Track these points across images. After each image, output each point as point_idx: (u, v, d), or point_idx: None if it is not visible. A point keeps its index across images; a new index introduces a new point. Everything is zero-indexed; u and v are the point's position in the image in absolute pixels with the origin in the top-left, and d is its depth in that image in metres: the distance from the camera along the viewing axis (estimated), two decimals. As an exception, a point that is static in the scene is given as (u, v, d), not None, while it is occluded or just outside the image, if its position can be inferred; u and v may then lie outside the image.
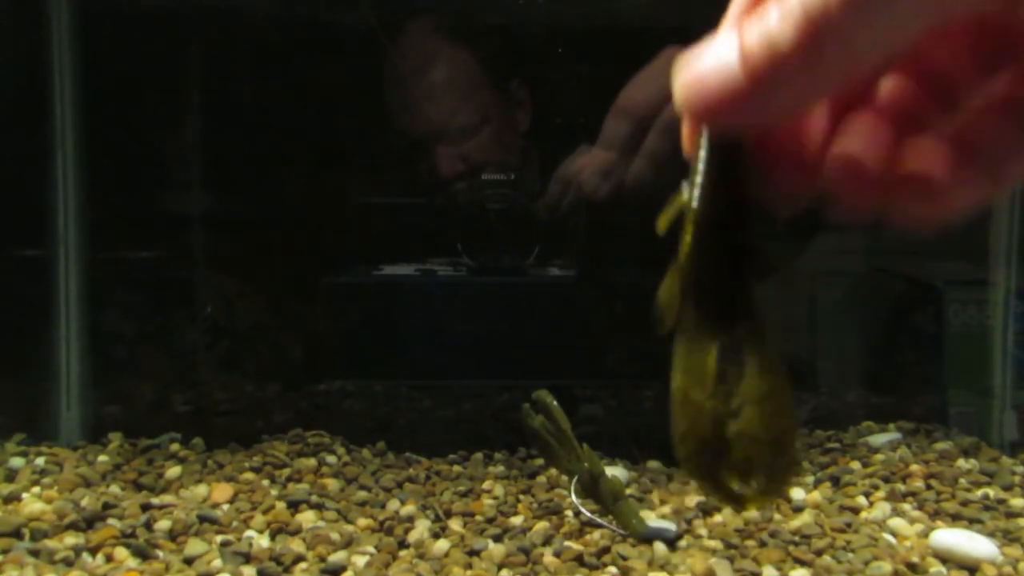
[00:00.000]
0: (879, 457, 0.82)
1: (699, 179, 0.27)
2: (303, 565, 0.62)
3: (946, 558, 0.62)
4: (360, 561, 0.62)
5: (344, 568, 0.61)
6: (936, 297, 1.00)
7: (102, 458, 0.82)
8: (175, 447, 0.85)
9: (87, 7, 0.90)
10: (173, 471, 0.78)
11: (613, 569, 0.61)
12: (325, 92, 1.09)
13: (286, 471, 0.79)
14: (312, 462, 0.81)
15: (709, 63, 0.24)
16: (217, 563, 0.61)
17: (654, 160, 0.74)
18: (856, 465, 0.81)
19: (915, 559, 0.62)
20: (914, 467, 0.79)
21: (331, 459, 0.83)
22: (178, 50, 1.07)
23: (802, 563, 0.62)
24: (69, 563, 0.61)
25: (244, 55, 1.08)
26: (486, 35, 1.05)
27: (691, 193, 0.28)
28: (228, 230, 1.11)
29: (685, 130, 0.27)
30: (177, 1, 1.06)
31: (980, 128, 0.24)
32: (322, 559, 0.63)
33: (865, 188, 0.25)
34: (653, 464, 0.84)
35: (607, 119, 0.79)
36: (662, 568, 0.61)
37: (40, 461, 0.81)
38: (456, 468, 0.83)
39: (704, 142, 0.27)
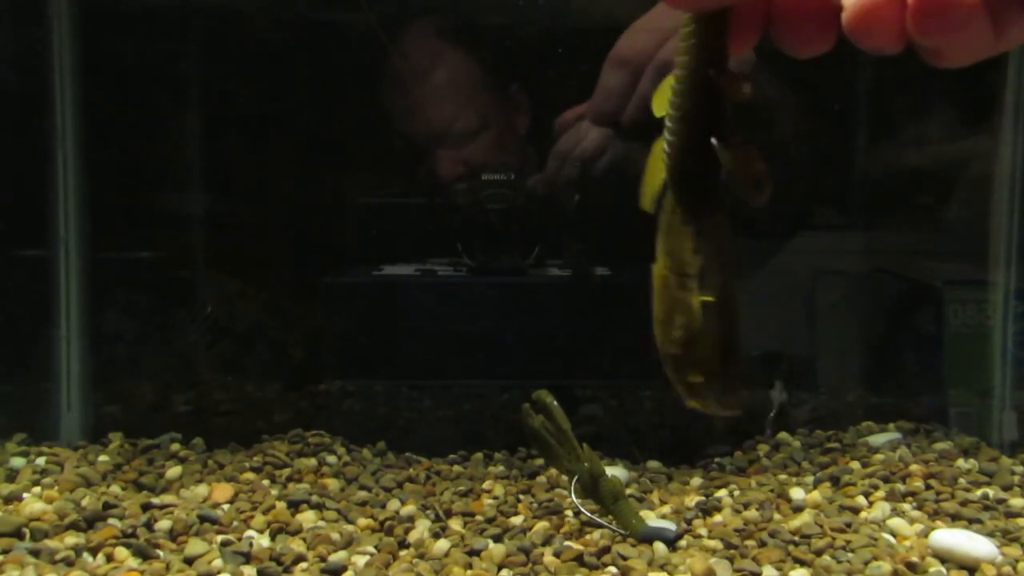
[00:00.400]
0: (879, 457, 0.82)
1: (683, 65, 0.29)
2: (303, 565, 0.62)
3: (946, 558, 0.63)
4: (360, 561, 0.63)
5: (344, 568, 0.61)
6: (936, 297, 1.00)
7: (102, 458, 0.82)
8: (175, 447, 0.85)
9: (87, 7, 0.90)
10: (173, 471, 0.78)
11: (613, 569, 0.61)
12: (325, 92, 1.09)
13: (286, 471, 0.79)
14: (312, 462, 0.81)
15: None
16: (217, 563, 0.62)
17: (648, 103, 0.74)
18: (856, 465, 0.81)
19: (915, 559, 0.62)
20: (914, 467, 0.79)
21: (331, 459, 0.83)
22: (178, 50, 1.07)
23: (802, 563, 0.62)
24: (70, 563, 0.61)
25: (244, 55, 1.08)
26: (486, 37, 1.06)
27: (679, 76, 0.29)
28: (228, 230, 1.11)
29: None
30: (177, 1, 1.06)
31: None
32: (322, 559, 0.63)
33: (883, 25, 0.25)
34: (653, 464, 0.84)
35: (603, 70, 0.80)
36: (662, 568, 0.61)
37: (40, 461, 0.81)
38: (456, 468, 0.83)
39: (689, 24, 0.28)
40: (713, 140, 0.29)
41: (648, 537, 0.65)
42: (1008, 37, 0.25)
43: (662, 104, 0.31)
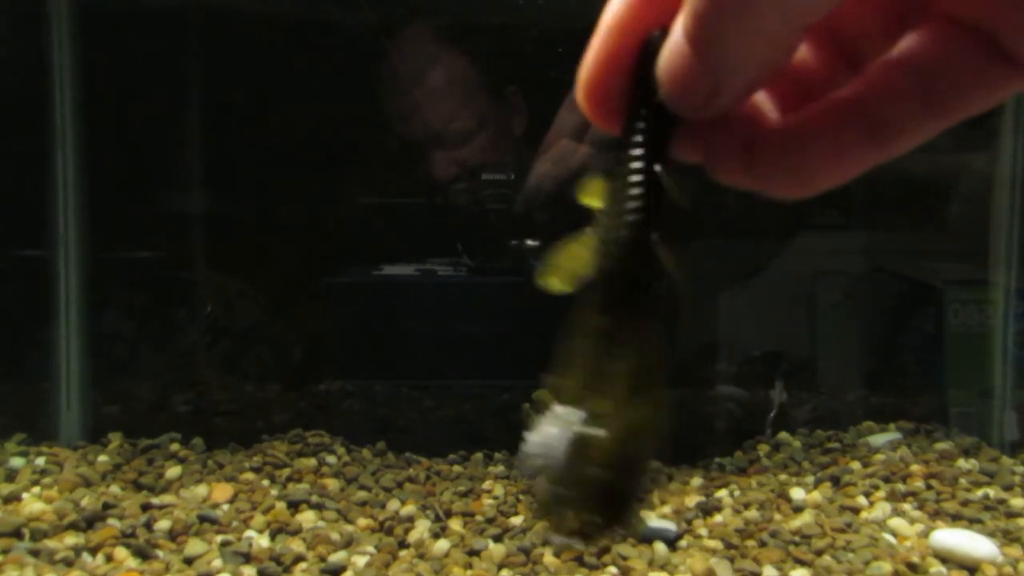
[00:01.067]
0: (879, 457, 0.82)
1: (630, 156, 0.26)
2: (303, 565, 0.62)
3: (946, 558, 0.62)
4: (360, 561, 0.62)
5: (344, 568, 0.61)
6: (936, 297, 1.00)
7: (102, 458, 0.82)
8: (175, 447, 0.85)
9: (87, 7, 0.90)
10: (173, 471, 0.78)
11: (613, 569, 0.61)
12: (326, 92, 1.09)
13: (286, 471, 0.79)
14: (312, 462, 0.81)
15: (668, 43, 0.23)
16: (217, 563, 0.61)
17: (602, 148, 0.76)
18: (856, 465, 0.81)
19: (915, 559, 0.62)
20: (914, 467, 0.79)
21: (331, 459, 0.83)
22: (178, 50, 1.07)
23: (802, 563, 0.62)
24: (69, 563, 0.61)
25: (244, 55, 1.08)
26: (483, 39, 1.06)
27: (619, 172, 0.26)
28: (228, 230, 1.11)
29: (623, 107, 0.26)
30: (177, 1, 1.06)
31: (877, 91, 0.24)
32: (322, 559, 0.63)
33: (755, 151, 0.24)
34: (653, 464, 0.84)
35: (560, 110, 0.81)
36: (662, 568, 0.61)
37: (40, 461, 0.81)
38: (456, 468, 0.83)
39: (640, 120, 0.26)
40: (655, 239, 0.26)
41: (648, 537, 0.65)
42: (897, 143, 0.24)
43: (591, 195, 0.27)
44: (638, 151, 0.26)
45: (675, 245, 0.26)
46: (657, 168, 0.26)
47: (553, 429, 0.27)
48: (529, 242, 0.95)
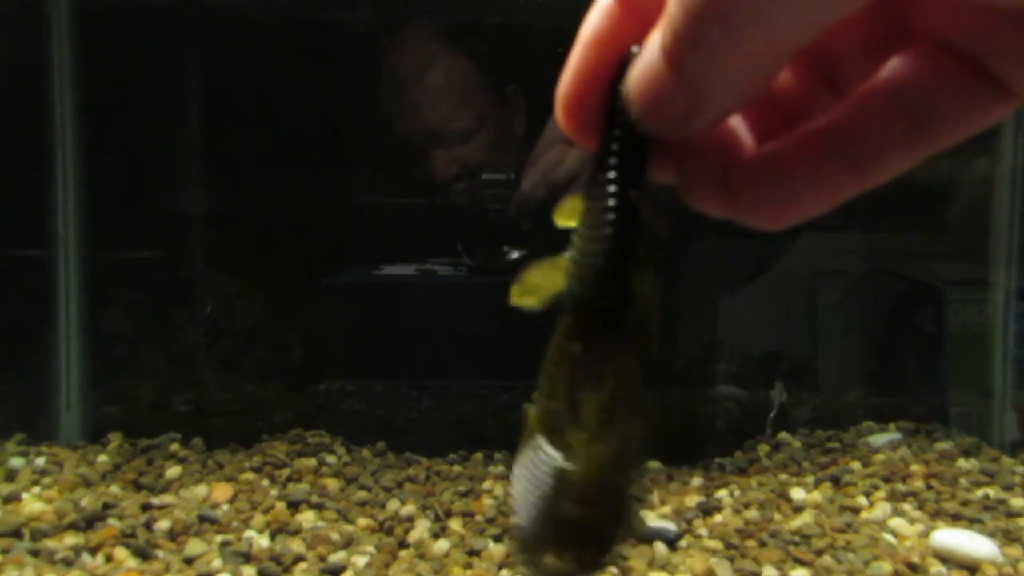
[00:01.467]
0: (879, 457, 0.82)
1: (603, 178, 0.24)
2: (303, 565, 0.62)
3: (946, 558, 0.62)
4: (360, 561, 0.62)
5: (344, 568, 0.61)
6: (936, 297, 1.00)
7: (102, 458, 0.82)
8: (175, 447, 0.85)
9: (87, 7, 0.90)
10: (173, 471, 0.78)
11: (613, 569, 0.61)
12: (325, 92, 1.09)
13: (286, 471, 0.79)
14: (312, 462, 0.81)
15: (642, 59, 0.22)
16: (217, 563, 0.61)
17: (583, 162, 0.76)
18: (856, 465, 0.81)
19: (915, 559, 0.62)
20: (914, 467, 0.79)
21: (331, 459, 0.83)
22: (178, 50, 1.07)
23: (802, 563, 0.62)
24: (69, 563, 0.61)
25: (244, 55, 1.08)
26: (484, 39, 1.06)
27: (591, 189, 0.25)
28: (228, 230, 1.11)
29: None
30: (177, 1, 1.06)
31: (858, 119, 0.23)
32: (322, 559, 0.63)
33: (733, 176, 0.24)
34: (653, 464, 0.84)
35: (549, 120, 0.81)
36: (662, 568, 0.61)
37: (40, 461, 0.81)
38: (456, 468, 0.83)
39: (615, 140, 0.24)
40: (629, 266, 0.25)
41: (648, 537, 0.65)
42: (877, 170, 0.23)
43: (567, 215, 0.26)
44: (612, 173, 0.24)
45: (651, 270, 0.25)
46: (632, 192, 0.24)
47: (530, 464, 0.26)
48: (515, 253, 0.95)
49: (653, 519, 0.68)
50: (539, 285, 0.26)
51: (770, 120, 0.24)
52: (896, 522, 0.69)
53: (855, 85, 0.23)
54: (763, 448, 0.88)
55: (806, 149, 0.23)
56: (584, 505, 0.25)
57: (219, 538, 0.65)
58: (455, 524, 0.69)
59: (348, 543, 0.65)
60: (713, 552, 0.64)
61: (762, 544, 0.65)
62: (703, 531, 0.68)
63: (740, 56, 0.20)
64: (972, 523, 0.68)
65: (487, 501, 0.74)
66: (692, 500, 0.74)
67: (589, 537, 0.25)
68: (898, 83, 0.22)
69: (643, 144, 0.24)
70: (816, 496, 0.74)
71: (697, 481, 0.80)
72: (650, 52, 0.21)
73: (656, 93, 0.21)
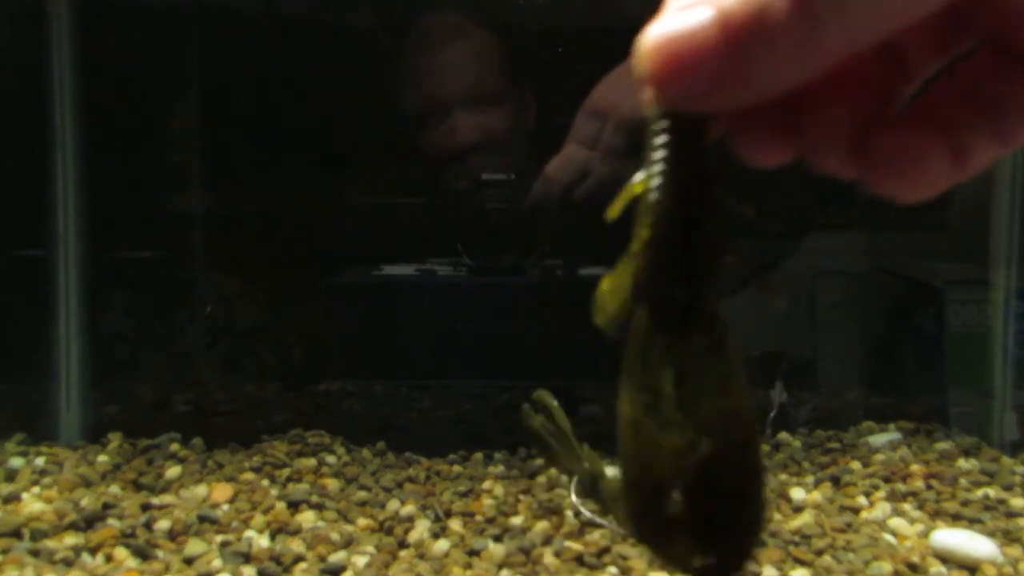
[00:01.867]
0: (879, 457, 0.82)
1: (657, 162, 0.23)
2: (303, 565, 0.62)
3: (946, 558, 0.62)
4: (360, 561, 0.62)
5: (344, 568, 0.61)
6: (936, 297, 1.00)
7: (102, 458, 0.82)
8: (175, 447, 0.85)
9: (87, 7, 0.90)
10: (173, 471, 0.78)
11: (613, 569, 0.61)
12: (326, 91, 1.09)
13: (286, 471, 0.79)
14: (312, 462, 0.81)
15: (680, 25, 0.20)
16: (217, 563, 0.61)
17: (612, 157, 0.76)
18: (856, 465, 0.81)
19: (915, 559, 0.62)
20: (914, 467, 0.79)
21: (331, 459, 0.83)
22: (178, 49, 1.07)
23: (802, 563, 0.62)
24: (69, 563, 0.61)
25: (244, 54, 1.08)
26: (505, 34, 1.06)
27: (647, 179, 0.24)
28: (228, 230, 1.11)
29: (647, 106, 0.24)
30: (177, 1, 1.06)
31: (942, 108, 0.23)
32: (322, 559, 0.63)
33: (841, 161, 0.23)
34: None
35: (577, 117, 0.81)
36: (662, 568, 0.61)
37: (40, 461, 0.81)
38: (456, 468, 0.83)
39: (663, 120, 0.23)
40: (698, 243, 0.24)
41: (648, 537, 0.65)
42: (971, 161, 0.23)
43: (626, 205, 0.25)
44: (669, 146, 0.23)
45: (720, 245, 0.24)
46: (692, 162, 0.23)
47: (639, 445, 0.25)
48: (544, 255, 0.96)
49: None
50: (612, 291, 0.25)
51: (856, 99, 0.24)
52: (896, 522, 0.69)
53: (922, 70, 0.23)
54: (763, 448, 0.88)
55: (941, 112, 0.23)
56: (725, 482, 0.24)
57: (219, 538, 0.65)
58: (455, 524, 0.69)
59: (348, 543, 0.65)
60: (713, 552, 0.64)
61: (762, 544, 0.65)
62: (703, 531, 0.68)
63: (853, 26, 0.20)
64: (972, 523, 0.68)
65: (487, 501, 0.74)
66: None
67: (732, 527, 0.25)
68: (975, 83, 0.23)
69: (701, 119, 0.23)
70: (816, 496, 0.74)
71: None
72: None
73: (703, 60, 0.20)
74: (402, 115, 1.07)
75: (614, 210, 0.25)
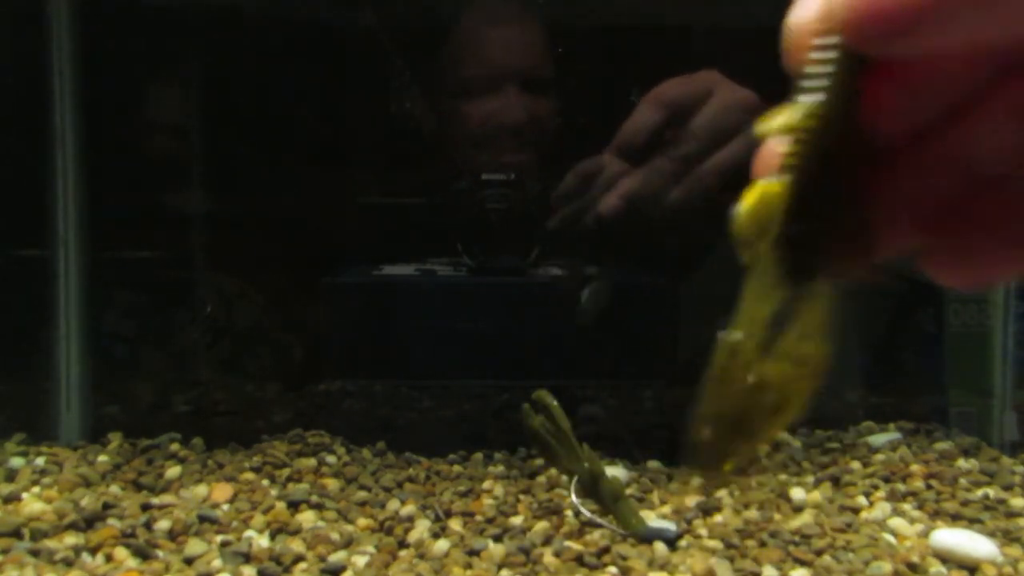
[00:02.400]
0: (879, 457, 0.82)
1: (820, 92, 0.23)
2: (303, 565, 0.62)
3: (946, 558, 0.62)
4: (360, 561, 0.62)
5: (344, 568, 0.61)
6: (936, 297, 1.00)
7: (102, 458, 0.82)
8: (175, 447, 0.85)
9: (87, 6, 0.90)
10: (173, 471, 0.78)
11: (613, 569, 0.61)
12: (326, 91, 1.09)
13: (286, 471, 0.79)
14: (312, 462, 0.81)
15: None
16: (217, 563, 0.61)
17: (670, 161, 0.76)
18: (856, 465, 0.81)
19: (915, 559, 0.62)
20: (914, 467, 0.79)
21: (331, 459, 0.83)
22: (179, 49, 1.07)
23: (802, 563, 0.62)
24: (69, 563, 0.61)
25: (244, 54, 1.08)
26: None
27: (806, 108, 0.24)
28: (228, 230, 1.11)
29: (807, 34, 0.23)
30: (177, 1, 1.06)
31: None
32: (322, 559, 0.63)
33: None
34: (653, 464, 0.84)
35: (638, 107, 0.80)
36: (662, 568, 0.61)
37: (40, 461, 0.81)
38: (456, 468, 0.83)
39: (836, 51, 0.23)
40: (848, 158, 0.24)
41: (648, 537, 0.65)
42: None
43: (777, 125, 0.25)
44: (837, 80, 0.23)
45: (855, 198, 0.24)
46: (852, 104, 0.23)
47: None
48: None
49: (653, 519, 0.68)
50: (748, 231, 0.26)
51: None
52: (896, 522, 0.69)
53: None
54: (763, 448, 0.88)
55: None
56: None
57: (219, 538, 0.65)
58: (455, 524, 0.69)
59: (348, 543, 0.65)
60: (713, 552, 0.64)
61: (762, 544, 0.65)
62: (703, 531, 0.68)
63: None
64: (972, 523, 0.68)
65: (487, 501, 0.74)
66: (692, 500, 0.74)
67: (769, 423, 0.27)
68: None
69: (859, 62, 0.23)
70: (816, 496, 0.74)
71: (697, 481, 0.80)
72: None
73: None
74: (439, 87, 1.06)
75: (767, 129, 0.25)
